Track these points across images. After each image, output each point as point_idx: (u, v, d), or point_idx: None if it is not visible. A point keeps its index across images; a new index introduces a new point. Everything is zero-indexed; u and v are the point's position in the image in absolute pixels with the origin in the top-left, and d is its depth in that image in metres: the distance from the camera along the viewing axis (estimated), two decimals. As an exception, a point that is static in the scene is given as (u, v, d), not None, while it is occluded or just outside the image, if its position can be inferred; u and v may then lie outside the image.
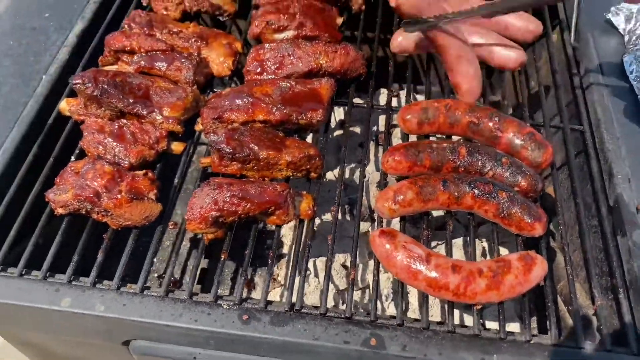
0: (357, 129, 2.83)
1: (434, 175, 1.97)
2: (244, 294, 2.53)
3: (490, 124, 2.08)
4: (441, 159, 2.01)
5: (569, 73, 2.54)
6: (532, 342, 1.72)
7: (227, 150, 1.95)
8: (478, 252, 2.42)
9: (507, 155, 2.03)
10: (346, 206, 2.57)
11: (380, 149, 2.72)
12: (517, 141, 2.06)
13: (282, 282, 2.56)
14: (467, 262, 1.78)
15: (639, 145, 2.14)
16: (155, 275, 2.67)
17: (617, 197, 2.02)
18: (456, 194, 1.90)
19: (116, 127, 2.08)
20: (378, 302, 2.37)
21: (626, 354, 1.69)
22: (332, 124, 3.00)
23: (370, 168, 2.71)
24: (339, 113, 2.99)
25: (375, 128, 2.82)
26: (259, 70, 2.29)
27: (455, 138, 2.26)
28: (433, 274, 1.73)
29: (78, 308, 1.74)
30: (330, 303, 2.40)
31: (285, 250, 2.67)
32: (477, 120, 2.10)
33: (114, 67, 2.30)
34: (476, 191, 1.89)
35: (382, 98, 2.86)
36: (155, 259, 2.71)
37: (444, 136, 2.23)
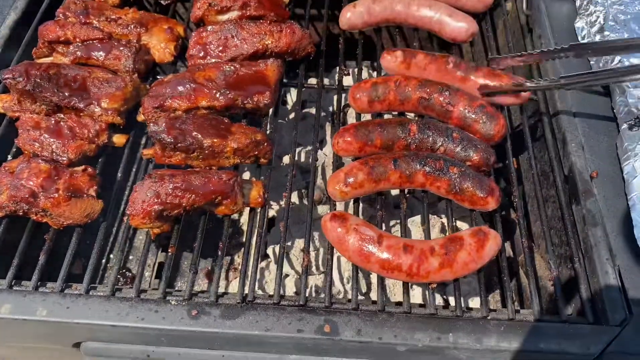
0: (312, 110, 2.75)
1: (386, 154, 1.92)
2: (205, 286, 2.50)
3: (441, 99, 2.04)
4: (392, 137, 1.96)
5: (522, 41, 2.50)
6: (488, 317, 1.70)
7: (168, 140, 1.87)
8: (437, 228, 2.39)
9: (458, 129, 1.99)
10: (303, 190, 2.51)
11: (335, 129, 2.66)
12: (469, 114, 2.02)
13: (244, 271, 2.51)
14: (419, 241, 1.74)
15: (591, 113, 2.12)
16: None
17: (571, 165, 2.00)
18: (407, 172, 1.86)
19: (53, 122, 1.98)
20: (340, 286, 2.35)
21: (582, 324, 1.68)
22: (289, 105, 2.92)
23: (327, 149, 2.65)
24: (294, 93, 2.91)
25: (330, 108, 2.76)
26: (202, 54, 2.20)
27: (409, 115, 2.21)
28: (385, 256, 1.69)
29: (18, 314, 1.66)
30: (292, 289, 2.36)
31: (244, 238, 2.61)
32: (427, 95, 2.05)
33: (49, 59, 2.19)
34: (427, 168, 1.85)
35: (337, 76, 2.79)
36: (112, 255, 2.64)
37: (397, 113, 2.18)
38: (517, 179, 2.03)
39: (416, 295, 2.37)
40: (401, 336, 1.64)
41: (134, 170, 2.15)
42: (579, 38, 2.31)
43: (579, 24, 2.33)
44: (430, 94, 2.05)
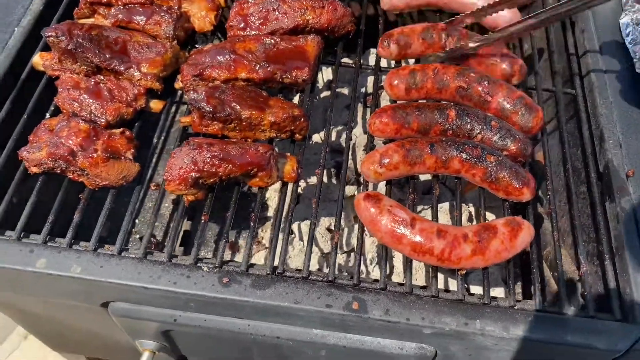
0: (345, 90, 2.75)
1: (422, 138, 1.92)
2: (228, 257, 2.53)
3: (480, 88, 2.02)
4: (429, 121, 1.95)
5: (564, 35, 2.47)
6: (515, 307, 1.70)
7: (208, 109, 1.87)
8: (465, 216, 2.38)
9: (497, 118, 1.98)
10: (332, 169, 2.52)
11: (368, 111, 2.65)
12: (507, 105, 2.00)
13: (267, 245, 2.53)
14: (453, 227, 1.74)
15: (631, 110, 2.09)
16: (137, 237, 2.62)
17: (607, 162, 1.98)
18: (444, 157, 1.85)
19: (92, 83, 1.99)
20: (363, 266, 2.36)
21: (609, 320, 1.68)
22: (319, 84, 2.91)
23: (357, 130, 2.65)
24: (326, 73, 2.90)
25: (363, 89, 2.74)
26: (242, 25, 2.19)
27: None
28: (417, 239, 1.69)
29: (53, 269, 1.69)
30: (315, 266, 2.38)
31: (270, 213, 2.63)
32: (465, 84, 2.03)
33: (89, 20, 2.19)
34: (464, 155, 1.84)
35: (372, 58, 2.78)
36: (137, 221, 2.67)
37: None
38: (546, 174, 2.01)
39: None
40: (429, 319, 1.65)
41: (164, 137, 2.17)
42: (623, 34, 2.28)
43: (624, 19, 2.30)
44: (469, 83, 2.03)
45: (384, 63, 2.31)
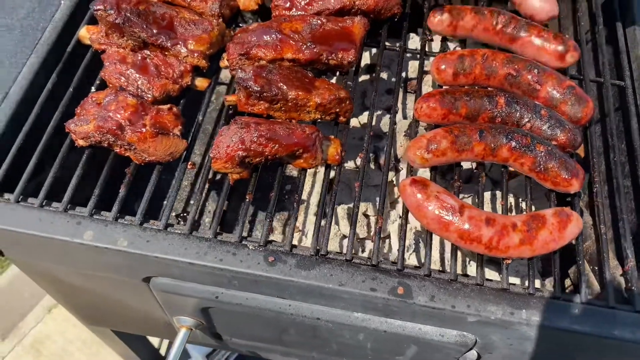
0: (384, 74, 2.71)
1: (470, 124, 1.89)
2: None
3: (529, 77, 1.99)
4: (478, 108, 1.92)
5: (612, 24, 2.41)
6: (561, 298, 1.69)
7: (255, 88, 1.86)
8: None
9: (546, 107, 1.94)
10: (371, 154, 2.50)
11: (409, 96, 2.62)
12: (557, 95, 1.97)
13: (300, 228, 2.52)
14: (501, 216, 1.73)
15: (684, 105, 2.05)
16: (173, 214, 2.63)
17: (655, 157, 1.95)
18: (492, 145, 1.83)
19: (139, 58, 1.99)
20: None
21: (656, 316, 1.66)
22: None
23: (397, 116, 2.62)
24: (364, 57, 2.86)
25: (404, 74, 2.71)
26: (287, 5, 2.17)
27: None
28: (466, 226, 1.68)
29: (101, 242, 1.70)
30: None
31: (303, 196, 2.62)
32: (515, 72, 2.00)
33: (136, -5, 2.18)
34: (513, 143, 1.82)
35: (413, 42, 2.74)
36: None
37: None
38: (593, 166, 1.98)
39: (472, 270, 2.36)
40: (474, 307, 1.64)
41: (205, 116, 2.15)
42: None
43: (678, 12, 2.24)
44: (519, 70, 2.00)
45: (428, 48, 2.27)
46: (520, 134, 1.83)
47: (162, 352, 4.29)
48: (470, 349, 1.84)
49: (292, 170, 2.59)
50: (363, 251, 2.35)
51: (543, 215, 1.72)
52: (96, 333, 3.36)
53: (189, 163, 2.08)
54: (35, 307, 4.61)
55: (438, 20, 2.14)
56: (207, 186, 2.56)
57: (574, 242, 1.79)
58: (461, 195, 2.33)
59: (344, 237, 2.41)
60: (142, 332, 2.73)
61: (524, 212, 1.89)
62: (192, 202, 2.64)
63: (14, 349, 4.43)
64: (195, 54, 2.01)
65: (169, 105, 1.89)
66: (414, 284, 1.68)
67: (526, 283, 1.75)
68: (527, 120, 1.90)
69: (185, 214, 2.55)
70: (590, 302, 1.68)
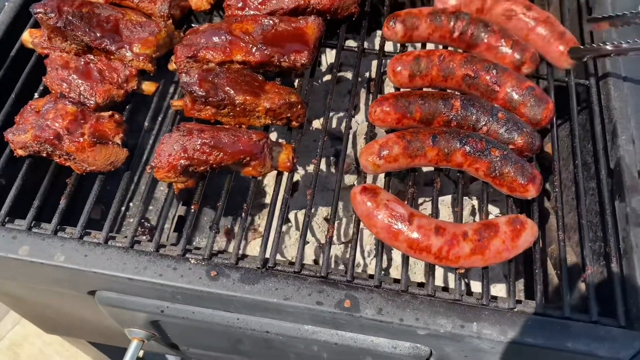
0: (348, 74, 2.65)
1: (424, 129, 1.83)
2: (224, 244, 2.47)
3: (487, 77, 1.92)
4: (433, 111, 1.85)
5: (579, 21, 2.34)
6: (515, 309, 1.63)
7: (200, 93, 1.79)
8: (467, 210, 2.30)
9: (504, 110, 1.88)
10: (331, 158, 2.43)
11: (371, 97, 2.54)
12: (516, 96, 1.90)
13: (262, 233, 2.46)
14: (452, 224, 1.67)
15: (647, 105, 1.98)
16: (132, 220, 2.56)
17: (619, 159, 1.88)
18: (446, 150, 1.76)
19: (82, 63, 1.91)
20: (360, 258, 2.29)
21: (613, 326, 1.60)
22: (323, 67, 2.81)
23: (359, 117, 2.55)
24: (329, 55, 2.79)
25: (367, 74, 2.64)
26: (240, 5, 2.09)
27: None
28: (415, 235, 1.62)
29: (36, 257, 1.64)
30: (311, 257, 2.31)
31: (267, 199, 2.56)
32: (473, 73, 1.93)
33: (82, -4, 2.10)
34: (467, 148, 1.76)
35: (378, 41, 2.66)
36: (131, 204, 2.61)
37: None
38: (553, 169, 1.92)
39: (436, 275, 2.30)
40: (423, 320, 1.58)
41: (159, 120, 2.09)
42: (643, 23, 2.15)
43: (645, 7, 2.17)
44: (477, 71, 1.93)
45: (388, 47, 2.20)
46: (475, 138, 1.77)
47: (141, 354, 4.24)
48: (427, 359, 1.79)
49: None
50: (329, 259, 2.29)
51: (496, 224, 1.66)
52: (68, 339, 3.31)
53: (148, 167, 2.02)
54: (11, 310, 4.55)
55: (391, 32, 2.07)
56: (165, 191, 2.49)
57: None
58: (421, 199, 2.27)
59: (306, 242, 2.35)
60: (103, 340, 2.68)
61: (482, 218, 1.84)
62: (153, 212, 2.58)
63: (-10, 353, 4.37)
64: (141, 57, 1.93)
65: (110, 113, 1.83)
66: (362, 296, 1.62)
67: (482, 291, 1.69)
68: (483, 123, 1.84)
69: (143, 221, 2.48)
70: (545, 312, 1.62)
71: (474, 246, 1.61)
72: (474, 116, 1.84)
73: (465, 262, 1.63)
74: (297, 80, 2.42)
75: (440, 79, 1.96)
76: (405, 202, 1.74)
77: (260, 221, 2.51)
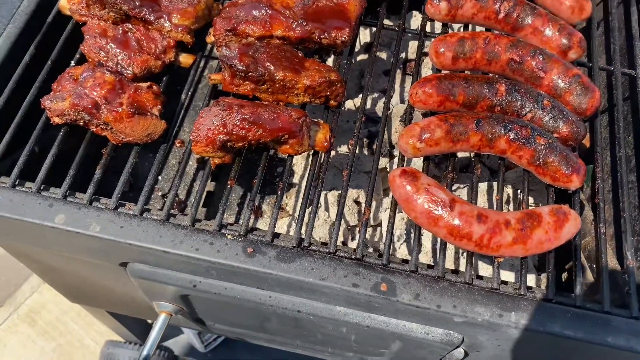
0: (383, 55, 2.59)
1: (467, 113, 1.78)
2: (251, 222, 2.45)
3: (533, 63, 1.86)
4: (477, 95, 1.81)
5: (626, 9, 2.27)
6: (553, 301, 1.60)
7: (240, 67, 1.76)
8: (503, 198, 2.25)
9: (550, 97, 1.83)
10: (364, 139, 2.39)
11: (407, 78, 2.50)
12: (562, 84, 1.85)
13: (290, 212, 2.44)
14: (494, 212, 1.63)
15: (697, 97, 1.92)
16: (160, 194, 2.55)
17: (663, 152, 1.83)
18: (490, 135, 1.72)
19: (120, 32, 1.88)
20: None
21: (654, 323, 1.57)
22: (356, 47, 2.75)
23: (394, 99, 2.50)
24: (364, 35, 2.73)
25: (403, 55, 2.59)
26: (281, -22, 2.04)
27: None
28: (456, 222, 1.58)
29: (72, 226, 1.63)
30: (340, 239, 2.29)
31: (296, 179, 2.53)
32: (518, 57, 1.87)
33: (120, -36, 2.06)
34: (512, 134, 1.71)
35: (414, 22, 2.60)
36: (159, 177, 2.59)
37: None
38: (596, 160, 1.87)
39: (462, 262, 2.28)
40: (461, 307, 1.56)
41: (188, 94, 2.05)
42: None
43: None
44: (522, 56, 1.87)
45: (428, 28, 2.15)
46: (520, 125, 1.72)
47: (156, 326, 4.28)
48: (457, 347, 1.77)
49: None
50: (353, 239, 2.27)
51: (539, 213, 1.62)
52: (87, 308, 3.34)
53: (178, 141, 2.00)
54: (30, 277, 4.60)
55: (435, 9, 2.01)
56: (194, 166, 2.48)
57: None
58: (456, 186, 2.23)
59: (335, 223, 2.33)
60: (127, 312, 2.70)
61: (521, 207, 1.80)
62: (182, 186, 2.56)
63: (9, 318, 4.43)
64: (180, 29, 1.90)
65: (148, 83, 1.80)
66: (398, 280, 1.60)
67: (519, 281, 1.66)
68: (528, 110, 1.79)
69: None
70: (584, 305, 1.59)
71: (517, 235, 1.58)
72: (518, 102, 1.80)
73: (506, 251, 1.59)
74: (330, 59, 2.38)
75: (484, 63, 1.91)
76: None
77: (288, 200, 2.49)
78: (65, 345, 4.30)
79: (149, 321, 4.21)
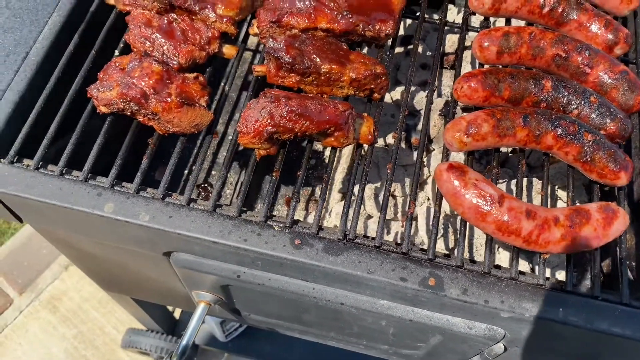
0: (420, 48, 2.58)
1: (514, 108, 1.77)
2: (283, 212, 2.46)
3: (579, 59, 1.85)
4: (522, 91, 1.80)
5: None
6: (600, 298, 1.60)
7: (287, 59, 1.76)
8: (540, 196, 2.25)
9: (597, 93, 1.82)
10: (403, 133, 2.39)
11: (445, 72, 2.49)
12: (608, 80, 1.83)
13: (324, 205, 2.45)
14: (543, 209, 1.63)
15: None
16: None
17: None
18: (537, 131, 1.71)
19: (165, 22, 1.88)
20: (425, 237, 2.26)
21: (700, 322, 1.57)
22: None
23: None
24: (402, 28, 2.72)
25: (441, 49, 2.57)
26: (324, -30, 2.03)
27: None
28: (505, 218, 1.58)
29: (122, 215, 1.64)
30: (374, 233, 2.29)
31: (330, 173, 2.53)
32: (564, 53, 1.86)
33: (163, -47, 2.05)
34: (559, 130, 1.70)
35: (450, 14, 2.59)
36: (193, 167, 2.61)
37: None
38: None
39: (499, 258, 2.28)
40: (508, 303, 1.56)
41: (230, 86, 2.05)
42: None
43: None
44: (568, 51, 1.86)
45: (469, 22, 2.13)
46: (567, 121, 1.71)
47: (177, 315, 4.31)
48: (498, 342, 1.77)
49: (316, 144, 2.50)
50: (388, 233, 2.28)
51: (587, 210, 1.62)
52: (113, 296, 3.37)
53: (214, 133, 2.00)
54: (52, 264, 4.65)
55: (479, 2, 2.00)
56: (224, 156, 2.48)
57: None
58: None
59: (369, 217, 2.33)
60: (160, 301, 2.72)
61: (565, 204, 1.79)
62: (215, 176, 2.57)
63: (31, 304, 4.48)
64: (224, 19, 1.90)
65: (195, 74, 1.80)
66: (446, 275, 1.60)
67: (561, 277, 1.66)
68: (574, 106, 1.78)
69: (206, 185, 2.48)
70: (631, 303, 1.59)
71: (565, 232, 1.58)
72: (565, 98, 1.79)
73: (554, 248, 1.59)
74: (364, 50, 2.37)
75: (529, 58, 1.90)
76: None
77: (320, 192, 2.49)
78: (87, 333, 4.35)
79: (170, 309, 4.25)
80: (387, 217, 2.30)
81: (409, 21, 2.66)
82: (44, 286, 4.61)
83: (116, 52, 1.93)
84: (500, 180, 2.21)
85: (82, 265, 2.42)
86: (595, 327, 1.54)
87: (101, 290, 3.53)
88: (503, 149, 2.29)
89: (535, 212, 1.59)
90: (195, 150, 2.53)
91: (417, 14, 2.12)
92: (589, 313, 1.56)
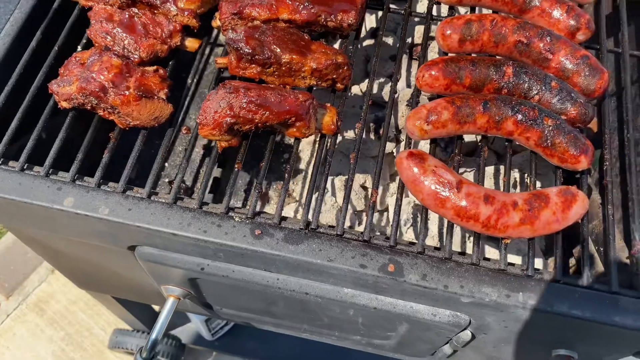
0: (389, 40, 2.58)
1: (474, 95, 1.78)
2: (258, 207, 2.46)
3: (541, 45, 1.85)
4: (483, 78, 1.80)
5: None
6: (561, 282, 1.60)
7: (247, 50, 1.76)
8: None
9: (558, 79, 1.82)
10: (371, 124, 2.39)
11: (414, 63, 2.49)
12: (569, 65, 1.83)
13: (297, 198, 2.45)
14: (501, 193, 1.63)
15: None
16: (166, 180, 2.56)
17: (673, 134, 1.82)
18: (497, 117, 1.71)
19: (126, 16, 1.88)
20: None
21: (661, 303, 1.57)
22: (362, 33, 2.74)
23: (400, 84, 2.50)
24: (369, 21, 2.72)
25: (409, 40, 2.58)
26: (286, -39, 2.03)
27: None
28: (463, 203, 1.58)
29: (81, 209, 1.64)
30: (347, 224, 2.29)
31: (302, 165, 2.53)
32: (525, 39, 1.86)
33: (125, -52, 2.06)
34: (519, 116, 1.70)
35: (421, 5, 2.59)
36: (166, 164, 2.61)
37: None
38: (604, 142, 1.86)
39: (469, 246, 2.28)
40: (468, 288, 1.57)
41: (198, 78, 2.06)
42: None
43: None
44: (530, 37, 1.86)
45: (435, 12, 2.14)
46: (528, 107, 1.72)
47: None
48: (464, 329, 1.77)
49: (290, 138, 2.50)
50: (360, 224, 2.28)
51: (547, 194, 1.62)
52: (95, 296, 3.36)
53: (184, 128, 2.01)
54: (38, 267, 4.64)
55: None
56: (200, 153, 2.48)
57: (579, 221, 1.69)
58: (462, 169, 2.23)
59: (341, 209, 2.33)
60: (136, 298, 2.71)
61: (529, 189, 1.80)
62: (177, 170, 2.57)
63: (18, 307, 4.48)
64: (186, 13, 1.90)
65: (155, 67, 1.80)
66: (406, 261, 1.60)
67: (526, 262, 1.66)
68: (535, 92, 1.78)
69: (184, 181, 2.47)
70: (592, 286, 1.59)
71: (524, 216, 1.58)
72: (526, 84, 1.79)
73: (513, 232, 1.59)
74: (337, 43, 2.37)
75: (491, 45, 1.90)
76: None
77: (294, 186, 2.49)
78: (74, 335, 4.34)
79: (157, 309, 4.24)
80: (359, 209, 2.30)
81: (380, 13, 2.66)
82: (31, 289, 4.60)
83: (79, 48, 1.93)
84: (468, 169, 2.21)
85: (55, 263, 2.41)
86: (554, 310, 1.54)
87: (88, 292, 3.55)
88: (471, 137, 2.29)
89: (493, 197, 1.59)
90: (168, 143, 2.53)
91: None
92: (548, 296, 1.56)
